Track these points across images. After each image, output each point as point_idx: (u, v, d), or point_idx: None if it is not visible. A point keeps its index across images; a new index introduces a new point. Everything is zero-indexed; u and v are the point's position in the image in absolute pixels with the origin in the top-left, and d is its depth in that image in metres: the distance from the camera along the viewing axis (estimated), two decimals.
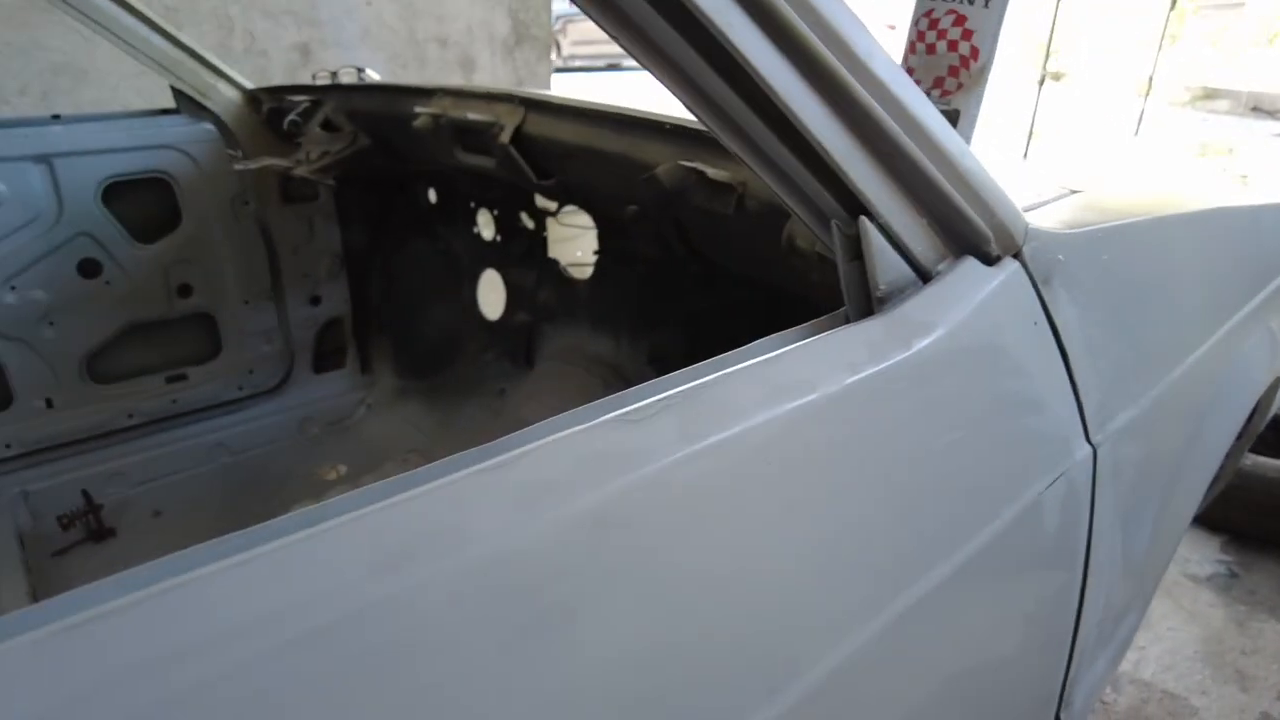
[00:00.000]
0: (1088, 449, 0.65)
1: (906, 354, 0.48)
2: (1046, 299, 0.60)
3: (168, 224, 1.77)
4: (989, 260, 0.57)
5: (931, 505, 0.50)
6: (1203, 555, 2.15)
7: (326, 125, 1.63)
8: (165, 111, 1.78)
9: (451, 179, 1.79)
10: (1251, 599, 1.99)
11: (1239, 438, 1.45)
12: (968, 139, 0.75)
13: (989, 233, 0.56)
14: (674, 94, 0.45)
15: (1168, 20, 9.92)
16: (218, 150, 1.73)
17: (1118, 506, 0.73)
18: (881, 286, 0.51)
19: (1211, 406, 0.96)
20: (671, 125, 0.90)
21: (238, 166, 1.62)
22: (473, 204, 1.82)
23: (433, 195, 1.91)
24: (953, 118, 0.72)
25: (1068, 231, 0.65)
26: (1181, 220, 0.86)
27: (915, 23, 0.69)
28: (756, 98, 0.44)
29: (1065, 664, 0.75)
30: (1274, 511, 2.13)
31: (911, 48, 0.71)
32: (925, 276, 0.54)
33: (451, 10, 3.56)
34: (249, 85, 1.77)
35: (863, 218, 0.50)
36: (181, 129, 1.78)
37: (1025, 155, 7.48)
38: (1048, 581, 0.65)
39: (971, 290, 0.54)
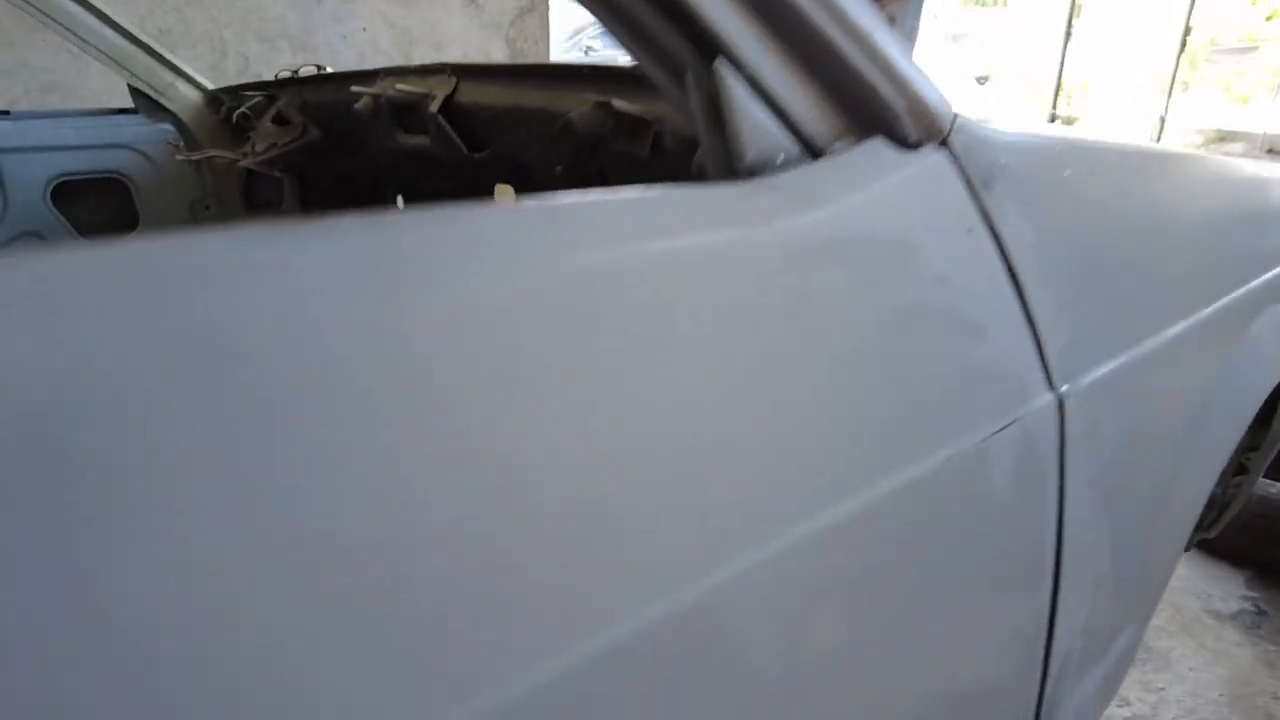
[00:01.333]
0: (1050, 397, 0.52)
1: (761, 228, 0.37)
2: (987, 205, 0.49)
3: (123, 226, 1.72)
4: (905, 146, 0.46)
5: (803, 438, 0.38)
6: (1226, 591, 1.97)
7: (279, 120, 1.57)
8: (122, 111, 1.74)
9: (413, 179, 1.73)
10: None
11: (1256, 449, 1.31)
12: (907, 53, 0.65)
13: (899, 110, 0.45)
14: None
15: (1178, 63, 9.91)
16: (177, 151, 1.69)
17: (1099, 478, 0.60)
18: (749, 155, 0.40)
19: (1217, 390, 0.83)
20: (590, 70, 0.81)
21: (179, 157, 1.56)
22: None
23: (400, 202, 1.84)
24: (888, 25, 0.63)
25: (1014, 135, 0.54)
26: (1171, 160, 0.75)
27: None
28: None
29: (1040, 673, 0.61)
30: None
31: None
32: (815, 153, 0.43)
33: (448, 36, 3.56)
34: (209, 85, 1.73)
35: (720, 62, 0.39)
36: (139, 129, 1.74)
37: None
38: (1005, 562, 0.52)
39: (878, 171, 0.43)
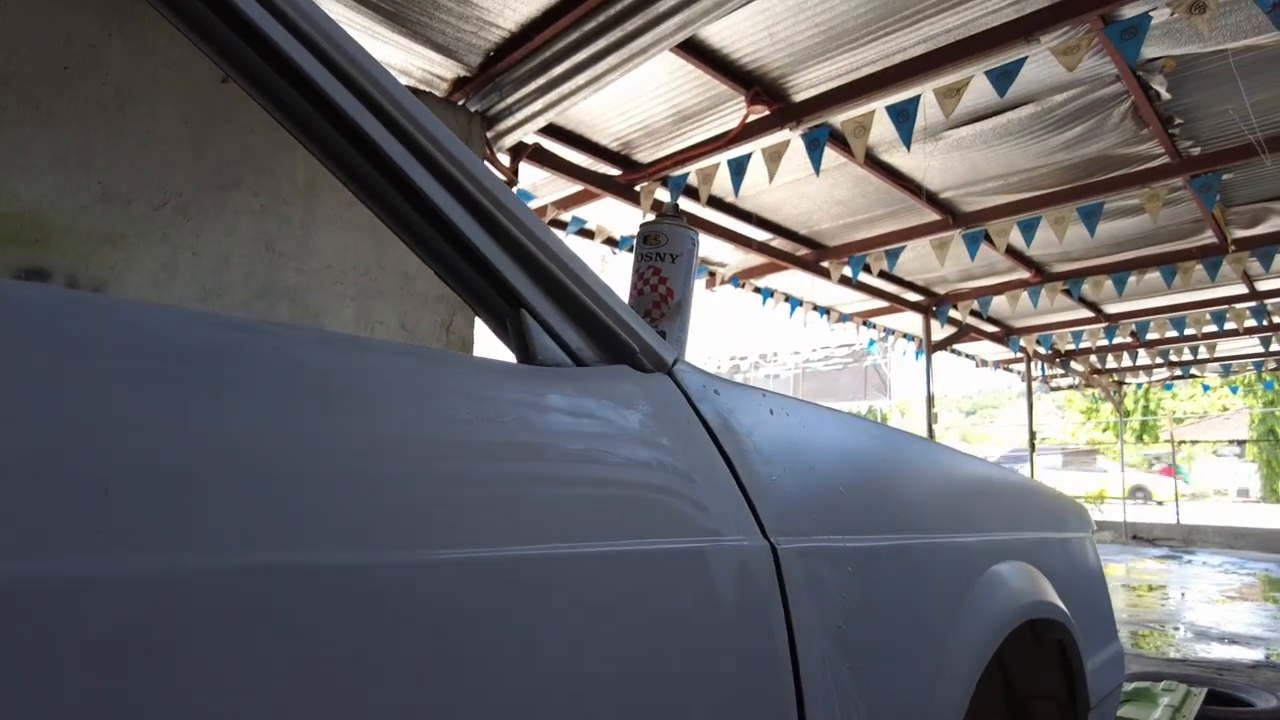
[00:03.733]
0: (764, 543, 0.76)
1: (547, 389, 0.65)
2: (701, 410, 0.78)
3: None
4: (642, 371, 0.77)
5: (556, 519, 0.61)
6: None
7: None
8: None
9: None
10: None
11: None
12: (680, 350, 1.01)
13: (635, 349, 0.76)
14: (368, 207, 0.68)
15: (1033, 460, 11.29)
16: None
17: (834, 635, 0.79)
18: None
19: (960, 609, 1.06)
20: None
21: None
22: None
23: None
24: (662, 334, 1.00)
25: (731, 381, 0.86)
26: (879, 430, 1.09)
27: (632, 277, 1.02)
28: (442, 229, 0.68)
29: None
30: None
31: (633, 291, 1.03)
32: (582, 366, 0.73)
33: None
34: None
35: (523, 313, 0.70)
36: None
37: None
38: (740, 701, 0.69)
39: (621, 379, 0.73)
